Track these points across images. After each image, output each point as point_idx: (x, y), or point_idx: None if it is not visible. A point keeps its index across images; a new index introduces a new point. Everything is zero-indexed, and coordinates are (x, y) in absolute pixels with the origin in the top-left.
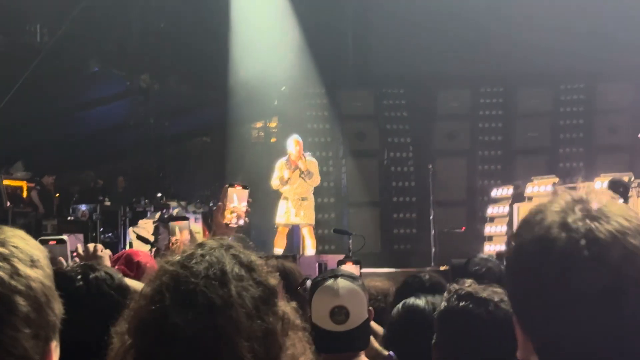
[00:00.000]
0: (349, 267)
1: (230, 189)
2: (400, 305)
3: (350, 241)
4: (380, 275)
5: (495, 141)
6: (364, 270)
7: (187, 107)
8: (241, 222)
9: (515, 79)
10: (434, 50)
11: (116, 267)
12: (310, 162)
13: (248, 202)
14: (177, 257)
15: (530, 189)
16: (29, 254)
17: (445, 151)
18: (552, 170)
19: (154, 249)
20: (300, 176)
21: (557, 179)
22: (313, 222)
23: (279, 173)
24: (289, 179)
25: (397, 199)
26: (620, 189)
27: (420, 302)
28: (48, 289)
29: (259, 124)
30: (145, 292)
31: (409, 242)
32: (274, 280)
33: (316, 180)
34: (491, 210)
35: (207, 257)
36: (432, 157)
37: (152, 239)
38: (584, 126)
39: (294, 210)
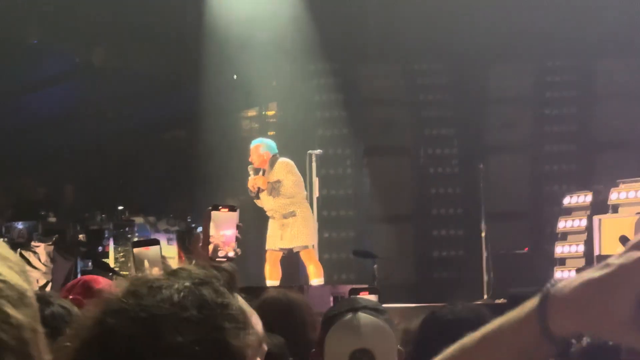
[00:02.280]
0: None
1: (213, 213)
2: None
3: (376, 267)
4: (414, 312)
5: (567, 132)
6: (392, 305)
7: (156, 90)
8: (231, 254)
9: (595, 48)
10: (483, 12)
11: (70, 296)
12: (277, 168)
13: (238, 227)
14: (142, 280)
15: (615, 196)
16: (18, 288)
17: (500, 146)
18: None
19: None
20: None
21: None
22: (311, 243)
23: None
24: (255, 193)
25: (437, 210)
26: None
27: None
28: (40, 337)
29: (252, 112)
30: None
31: (454, 269)
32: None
33: (290, 187)
34: (563, 225)
35: (176, 286)
36: (483, 154)
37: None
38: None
39: (280, 232)
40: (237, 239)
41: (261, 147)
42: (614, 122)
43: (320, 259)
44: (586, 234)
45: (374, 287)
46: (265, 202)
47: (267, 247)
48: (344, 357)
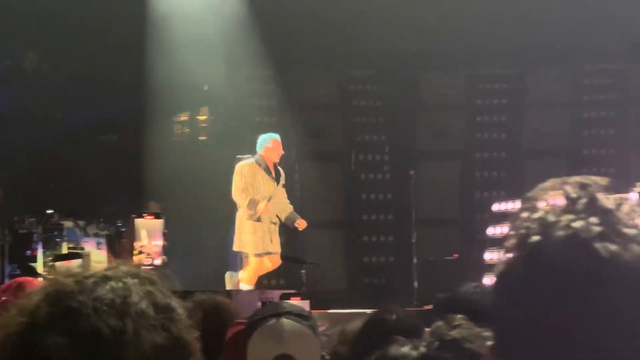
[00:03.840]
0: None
1: (137, 221)
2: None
3: (304, 272)
4: (345, 318)
5: (498, 140)
6: (323, 310)
7: (88, 95)
8: (157, 261)
9: (527, 58)
10: (416, 19)
11: (3, 298)
12: (281, 171)
13: (164, 234)
14: (77, 271)
15: (544, 204)
16: None
17: (432, 153)
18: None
19: None
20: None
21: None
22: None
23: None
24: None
25: (368, 216)
26: None
27: (405, 350)
28: None
29: (184, 117)
30: (22, 302)
31: (384, 275)
32: (190, 335)
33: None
34: (493, 231)
35: (111, 282)
36: (414, 160)
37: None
38: (615, 119)
39: (269, 236)
40: (163, 246)
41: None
42: (543, 130)
43: None
44: None
45: (306, 293)
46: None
47: (255, 252)
48: None
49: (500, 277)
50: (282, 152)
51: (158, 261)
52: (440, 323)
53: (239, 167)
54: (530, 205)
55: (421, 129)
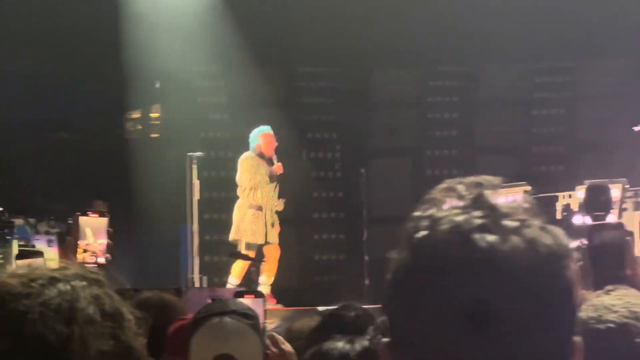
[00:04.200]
0: (248, 302)
1: (82, 219)
2: (311, 352)
3: (253, 270)
4: (295, 315)
5: (450, 137)
6: (274, 308)
7: (37, 89)
8: (101, 260)
9: (479, 55)
10: (368, 16)
11: None
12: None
13: (109, 232)
14: (23, 271)
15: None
16: None
17: (383, 150)
18: (523, 175)
19: None
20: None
21: (529, 187)
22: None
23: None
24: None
25: (319, 214)
26: (600, 197)
27: (339, 345)
28: None
29: (136, 114)
30: None
31: (335, 273)
32: (137, 342)
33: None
34: None
35: (59, 284)
36: (365, 158)
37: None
38: (565, 117)
39: (270, 226)
40: (108, 245)
41: (273, 135)
42: (495, 128)
43: (202, 262)
44: None
45: (259, 291)
46: (267, 193)
47: (252, 241)
48: None
49: (392, 274)
50: (276, 144)
51: (102, 260)
52: (384, 318)
53: (244, 157)
54: (425, 205)
55: (373, 126)
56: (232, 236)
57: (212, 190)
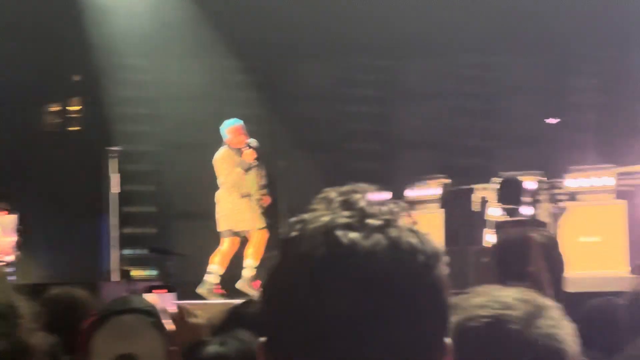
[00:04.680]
0: (155, 297)
1: None
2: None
3: (171, 264)
4: (213, 309)
5: (368, 131)
6: (192, 301)
7: None
8: (9, 258)
9: (400, 49)
10: (287, 12)
11: None
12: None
13: (18, 229)
14: None
15: (413, 194)
16: None
17: (302, 143)
18: (442, 168)
19: None
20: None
21: (448, 180)
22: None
23: None
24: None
25: None
26: (513, 191)
27: (214, 348)
28: None
29: (55, 107)
30: None
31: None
32: (33, 338)
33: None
34: None
35: None
36: (283, 151)
37: None
38: (483, 111)
39: (256, 210)
40: (17, 242)
41: (243, 127)
42: (414, 121)
43: (121, 255)
44: None
45: (171, 285)
46: (247, 181)
47: (242, 229)
48: None
49: (267, 276)
50: (246, 138)
51: (10, 257)
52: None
53: (217, 155)
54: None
55: (290, 119)
56: (220, 227)
57: (133, 183)
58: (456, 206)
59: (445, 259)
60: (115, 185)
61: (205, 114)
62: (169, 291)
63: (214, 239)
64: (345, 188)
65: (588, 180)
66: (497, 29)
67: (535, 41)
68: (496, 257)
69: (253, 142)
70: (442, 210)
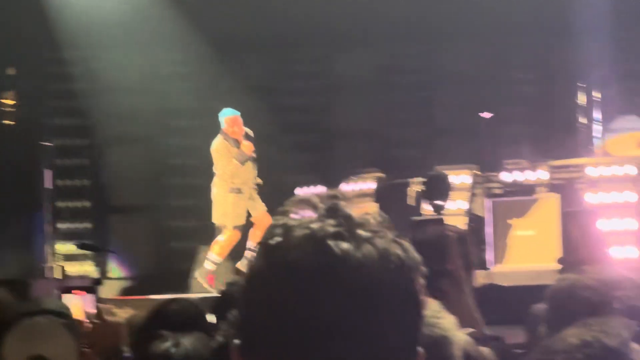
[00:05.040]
0: (74, 298)
1: None
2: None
3: (101, 259)
4: (144, 305)
5: (305, 122)
6: (126, 297)
7: None
8: None
9: (335, 40)
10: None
11: None
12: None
13: None
14: None
15: (348, 187)
16: None
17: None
18: (378, 161)
19: None
20: None
21: (382, 174)
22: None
23: None
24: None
25: (176, 202)
26: (439, 186)
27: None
28: None
29: None
30: None
31: (192, 260)
32: None
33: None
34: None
35: None
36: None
37: None
38: (419, 103)
39: (251, 203)
40: None
41: (240, 118)
42: (350, 112)
43: (54, 251)
44: None
45: (91, 287)
46: (243, 172)
47: (236, 224)
48: None
49: (246, 280)
50: (243, 129)
51: None
52: (236, 315)
53: (214, 145)
54: (278, 216)
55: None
56: (215, 219)
57: (67, 178)
58: (391, 200)
59: (423, 269)
60: (48, 180)
61: (142, 108)
62: (89, 292)
63: (152, 233)
64: (325, 193)
65: (523, 174)
66: (433, 19)
67: (472, 33)
68: None
69: (250, 133)
70: (376, 205)
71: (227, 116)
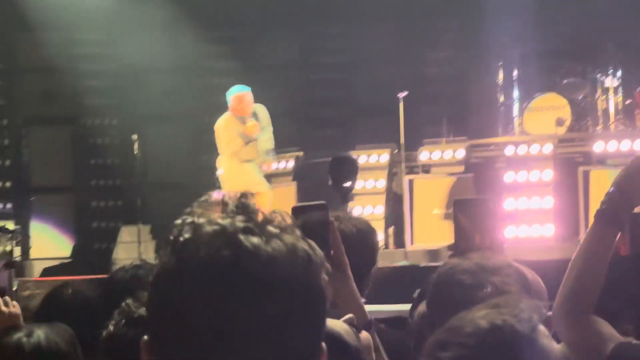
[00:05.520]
0: None
1: None
2: None
3: (18, 240)
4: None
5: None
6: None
7: None
8: None
9: (255, 20)
10: None
11: None
12: (262, 114)
13: None
14: None
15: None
16: None
17: (159, 116)
18: (299, 139)
19: None
20: None
21: (300, 153)
22: None
23: None
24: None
25: (96, 181)
26: (343, 167)
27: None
28: None
29: None
30: None
31: (113, 239)
32: None
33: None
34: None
35: None
36: (140, 124)
37: None
38: (337, 82)
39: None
40: None
41: (249, 94)
42: (272, 92)
43: None
44: None
45: (10, 262)
46: (252, 147)
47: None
48: None
49: (155, 277)
50: (251, 105)
51: None
52: (129, 301)
53: (219, 122)
54: (186, 214)
55: (147, 91)
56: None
57: None
58: (310, 179)
59: (327, 266)
60: None
61: (60, 87)
62: (7, 267)
63: (70, 213)
64: (233, 192)
65: (440, 153)
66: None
67: (391, 13)
68: None
69: (260, 108)
70: (294, 184)
71: (235, 93)
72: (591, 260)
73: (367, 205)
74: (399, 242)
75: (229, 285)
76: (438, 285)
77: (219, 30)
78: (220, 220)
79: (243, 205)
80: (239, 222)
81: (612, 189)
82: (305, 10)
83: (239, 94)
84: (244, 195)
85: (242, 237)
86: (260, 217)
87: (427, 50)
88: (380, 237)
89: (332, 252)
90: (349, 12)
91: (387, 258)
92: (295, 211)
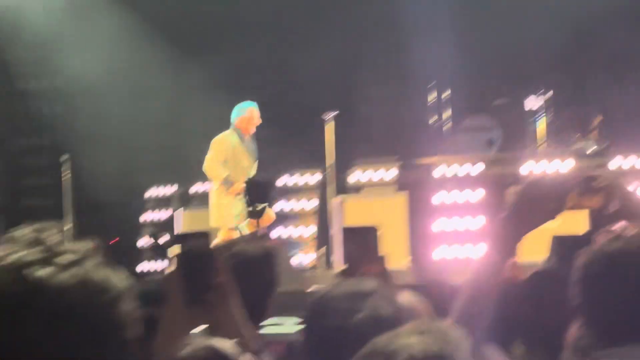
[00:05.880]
0: None
1: None
2: None
3: None
4: None
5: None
6: None
7: None
8: None
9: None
10: None
11: None
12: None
13: None
14: None
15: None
16: None
17: (91, 136)
18: None
19: None
20: None
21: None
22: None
23: None
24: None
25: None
26: (259, 190)
27: None
28: None
29: None
30: None
31: None
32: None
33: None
34: (146, 217)
35: None
36: (73, 144)
37: None
38: (271, 101)
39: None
40: None
41: (251, 112)
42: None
43: None
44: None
45: None
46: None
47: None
48: None
49: None
50: (260, 122)
51: None
52: None
53: (217, 139)
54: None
55: (79, 112)
56: (212, 223)
57: None
58: (254, 197)
59: (133, 293)
60: None
61: None
62: None
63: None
64: (35, 226)
65: (372, 173)
66: (285, 20)
67: (325, 34)
68: (180, 269)
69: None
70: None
71: (250, 107)
72: (479, 287)
73: (299, 225)
74: (329, 263)
75: (20, 320)
76: (312, 311)
77: (152, 50)
78: (9, 256)
79: (35, 239)
80: (28, 256)
81: (503, 214)
82: (235, 31)
83: (252, 108)
84: (40, 228)
85: (26, 271)
86: (52, 250)
87: (359, 71)
88: (312, 257)
89: (217, 279)
90: (283, 32)
91: (317, 280)
92: (177, 239)
